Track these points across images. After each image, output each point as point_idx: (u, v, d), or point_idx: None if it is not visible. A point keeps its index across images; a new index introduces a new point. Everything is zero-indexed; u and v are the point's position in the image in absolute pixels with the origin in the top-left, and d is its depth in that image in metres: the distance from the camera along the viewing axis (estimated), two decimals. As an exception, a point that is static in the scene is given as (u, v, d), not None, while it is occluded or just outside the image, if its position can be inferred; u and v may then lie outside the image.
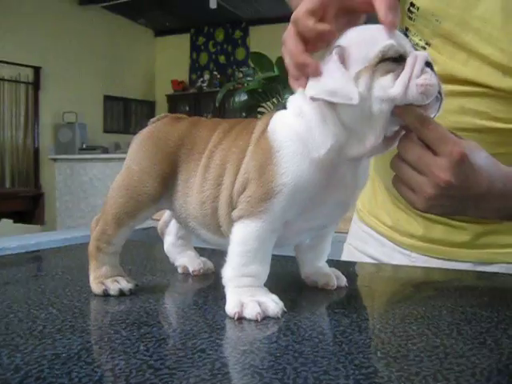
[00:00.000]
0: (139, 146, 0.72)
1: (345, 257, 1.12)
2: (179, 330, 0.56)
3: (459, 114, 0.84)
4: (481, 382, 0.43)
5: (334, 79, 0.58)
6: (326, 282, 0.74)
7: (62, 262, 0.94)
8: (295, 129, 0.62)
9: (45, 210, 6.00)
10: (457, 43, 0.85)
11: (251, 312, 0.60)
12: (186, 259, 0.84)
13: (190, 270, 0.83)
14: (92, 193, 6.76)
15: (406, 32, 0.91)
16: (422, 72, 0.58)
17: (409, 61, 0.59)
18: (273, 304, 0.61)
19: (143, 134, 0.74)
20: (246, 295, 0.61)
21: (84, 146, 6.87)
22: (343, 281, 0.75)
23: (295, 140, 0.61)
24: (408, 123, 0.61)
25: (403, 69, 0.58)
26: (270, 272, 0.65)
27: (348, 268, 0.89)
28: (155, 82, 8.12)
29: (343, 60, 0.59)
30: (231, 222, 0.64)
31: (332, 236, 0.76)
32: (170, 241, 0.85)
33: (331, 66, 0.59)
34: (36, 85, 6.62)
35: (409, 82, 0.58)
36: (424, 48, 0.87)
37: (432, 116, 0.61)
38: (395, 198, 1.01)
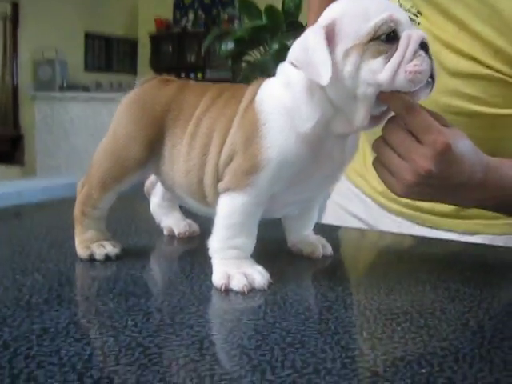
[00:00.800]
0: (125, 110, 0.70)
1: (328, 215, 1.12)
2: (166, 303, 0.56)
3: (452, 96, 0.83)
4: (463, 369, 0.44)
5: (314, 52, 0.57)
6: (312, 251, 0.74)
7: (45, 219, 0.94)
8: (282, 101, 0.61)
9: (24, 152, 5.91)
10: (448, 15, 0.83)
11: (238, 284, 0.60)
12: (171, 221, 0.84)
13: (176, 232, 0.83)
14: (73, 133, 6.67)
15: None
16: (415, 56, 0.57)
17: (402, 42, 0.57)
18: (259, 276, 0.61)
19: (130, 97, 0.72)
20: (233, 267, 0.62)
21: (64, 85, 6.71)
22: (328, 250, 0.75)
23: (282, 113, 0.60)
24: (394, 110, 0.60)
25: (395, 50, 0.57)
26: (257, 237, 0.65)
27: (332, 233, 0.89)
28: (138, 19, 7.87)
29: (332, 34, 0.58)
30: (217, 193, 0.64)
31: (319, 205, 0.76)
32: (156, 202, 0.84)
33: (316, 38, 0.57)
34: (14, 20, 6.39)
35: (398, 67, 0.56)
36: (416, 16, 0.86)
37: (421, 99, 0.60)
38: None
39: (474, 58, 0.81)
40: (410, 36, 0.57)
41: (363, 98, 0.58)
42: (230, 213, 0.62)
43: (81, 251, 0.70)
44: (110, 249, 0.71)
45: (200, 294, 0.59)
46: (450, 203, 0.70)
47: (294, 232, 0.76)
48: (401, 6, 0.90)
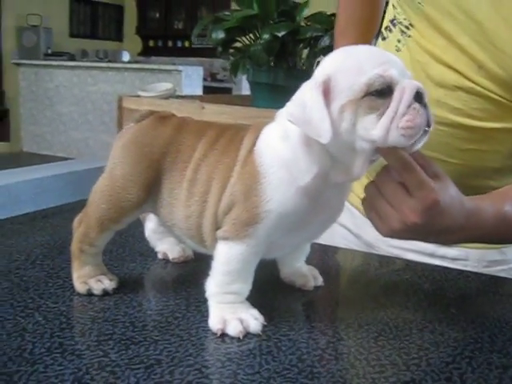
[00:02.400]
0: (122, 151, 0.71)
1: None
2: (165, 353, 0.59)
3: (435, 106, 0.85)
4: None
5: (312, 111, 0.58)
6: (304, 283, 0.77)
7: (40, 236, 0.95)
8: (281, 154, 0.62)
9: (10, 127, 5.83)
10: (438, 28, 0.86)
11: (233, 330, 0.63)
12: (166, 246, 0.86)
13: (170, 257, 0.85)
14: (57, 100, 6.60)
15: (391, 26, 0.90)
16: (408, 110, 0.58)
17: (395, 97, 0.58)
18: (254, 321, 0.64)
19: (127, 137, 0.72)
20: (229, 312, 0.64)
21: (49, 52, 6.60)
22: (319, 280, 0.78)
23: (281, 166, 0.62)
24: (390, 164, 0.62)
25: (388, 105, 0.58)
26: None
27: (323, 255, 0.92)
28: (124, -17, 7.71)
29: (328, 90, 0.59)
30: (215, 239, 0.65)
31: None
32: (150, 227, 0.86)
33: (314, 96, 0.58)
34: (-4, -15, 6.24)
35: (391, 123, 0.57)
36: (407, 28, 0.88)
37: (416, 148, 0.61)
38: (370, 175, 1.03)
39: (459, 72, 0.85)
40: (403, 90, 0.59)
41: (361, 152, 0.60)
42: (228, 260, 0.64)
43: (79, 286, 0.72)
44: (108, 284, 0.73)
45: (197, 340, 0.62)
46: (431, 243, 0.74)
47: (287, 264, 0.78)
48: (395, 18, 0.92)
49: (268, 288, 0.77)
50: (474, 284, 0.84)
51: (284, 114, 0.62)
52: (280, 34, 1.87)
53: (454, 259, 0.99)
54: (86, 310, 0.68)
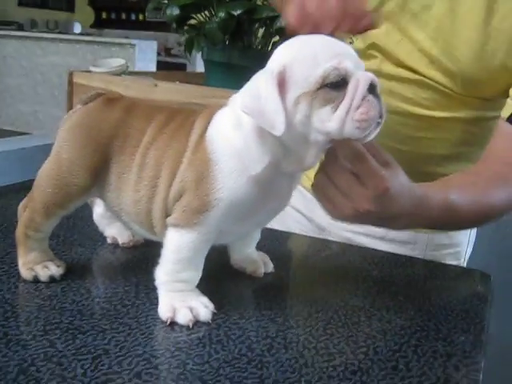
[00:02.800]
0: (69, 134, 0.69)
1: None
2: (114, 342, 0.58)
3: (387, 95, 0.87)
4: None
5: (266, 102, 0.57)
6: (254, 269, 0.77)
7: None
8: (233, 142, 0.62)
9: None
10: (393, 21, 0.87)
11: (183, 318, 0.62)
12: (114, 231, 0.84)
13: (120, 241, 0.84)
14: (6, 72, 6.36)
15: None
16: (363, 102, 0.58)
17: (349, 89, 0.58)
18: (204, 309, 0.64)
19: (74, 120, 0.69)
20: (178, 300, 0.64)
21: (-4, 20, 6.33)
22: (270, 267, 0.79)
23: (233, 154, 0.61)
24: (342, 156, 0.62)
25: (343, 98, 0.58)
26: None
27: (275, 241, 0.92)
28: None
29: (283, 81, 0.58)
30: (165, 225, 0.65)
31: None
32: (99, 211, 0.84)
33: (268, 87, 0.57)
34: None
35: (346, 115, 0.57)
36: None
37: (368, 139, 0.62)
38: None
39: (411, 67, 0.87)
40: (357, 82, 0.59)
41: (315, 143, 0.60)
42: (179, 248, 0.63)
43: (25, 273, 0.70)
44: (55, 270, 0.71)
45: (146, 328, 0.61)
46: (381, 228, 0.76)
47: (237, 250, 0.78)
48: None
49: (218, 274, 0.76)
50: (421, 271, 0.86)
51: (237, 102, 0.62)
52: (236, 13, 1.84)
53: (403, 242, 1.01)
54: (32, 298, 0.67)
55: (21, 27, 6.34)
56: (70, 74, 2.11)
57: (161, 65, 6.11)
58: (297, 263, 0.89)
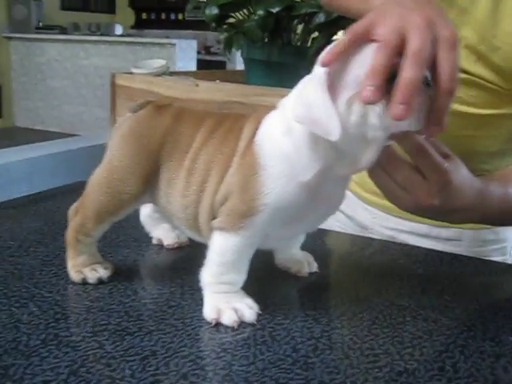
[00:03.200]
0: (121, 142, 0.70)
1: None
2: (160, 344, 0.59)
3: None
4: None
5: (319, 109, 0.56)
6: (298, 269, 0.77)
7: (33, 221, 0.94)
8: (283, 147, 0.61)
9: (2, 102, 5.76)
10: None
11: (228, 319, 0.63)
12: (160, 232, 0.86)
13: (165, 243, 0.85)
14: (50, 75, 6.54)
15: None
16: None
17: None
18: (248, 310, 0.64)
19: (124, 128, 0.71)
20: (223, 301, 0.64)
21: (40, 25, 6.51)
22: (314, 267, 0.78)
23: (281, 160, 0.61)
24: (405, 150, 0.61)
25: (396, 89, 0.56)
26: None
27: (317, 240, 0.92)
28: (116, -45, 7.57)
29: (332, 85, 0.57)
30: (211, 229, 0.65)
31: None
32: (145, 212, 0.85)
33: (319, 93, 0.56)
34: (-15, -45, 6.11)
35: None
36: None
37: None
38: None
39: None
40: None
41: (373, 142, 0.58)
42: (223, 251, 0.64)
43: (74, 275, 0.72)
44: (102, 272, 0.73)
45: (192, 329, 0.62)
46: (441, 221, 0.75)
47: (282, 250, 0.78)
48: None
49: (262, 275, 0.77)
50: (467, 269, 0.84)
51: (287, 108, 0.61)
52: (274, 10, 1.84)
53: (448, 239, 1.00)
54: (80, 300, 0.68)
55: (64, 31, 6.50)
56: (113, 76, 2.15)
57: (200, 63, 6.16)
58: (340, 262, 0.88)
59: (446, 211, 0.68)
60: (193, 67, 5.82)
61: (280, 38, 2.00)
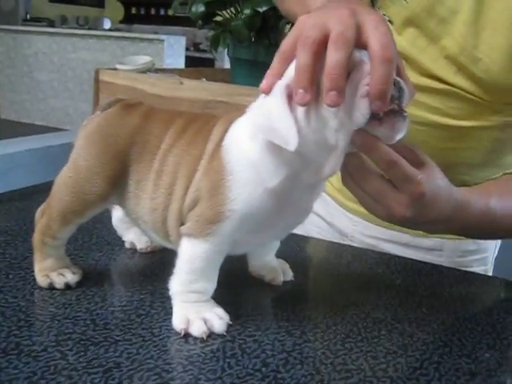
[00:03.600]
0: (86, 141, 0.68)
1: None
2: (125, 355, 0.57)
3: (413, 106, 0.84)
4: None
5: (277, 119, 0.55)
6: (273, 277, 0.75)
7: (4, 221, 0.92)
8: (249, 154, 0.60)
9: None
10: (420, 27, 0.83)
11: (197, 330, 0.61)
12: (133, 235, 0.83)
13: (138, 247, 0.83)
14: (36, 68, 6.48)
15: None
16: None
17: (351, 75, 0.54)
18: (218, 321, 0.62)
19: (91, 126, 0.69)
20: (193, 311, 0.62)
21: (28, 17, 6.44)
22: (289, 275, 0.77)
23: (248, 166, 0.59)
24: (373, 161, 0.59)
25: None
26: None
27: (294, 246, 0.90)
28: None
29: (292, 94, 0.55)
30: (179, 235, 0.63)
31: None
32: (117, 216, 0.83)
33: (278, 102, 0.55)
34: None
35: (353, 98, 0.53)
36: None
37: (399, 137, 0.58)
38: None
39: (435, 76, 0.83)
40: (360, 65, 0.54)
41: (336, 147, 0.56)
42: (192, 258, 0.62)
43: (40, 280, 0.69)
44: (70, 277, 0.70)
45: (159, 340, 0.60)
46: (417, 230, 0.74)
47: (256, 258, 0.76)
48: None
49: (236, 282, 0.75)
50: (447, 280, 0.83)
51: (255, 103, 0.60)
52: (261, 9, 1.82)
53: (429, 249, 0.98)
54: (46, 306, 0.66)
55: (52, 23, 6.43)
56: (96, 72, 2.12)
57: (189, 60, 6.13)
58: (317, 270, 0.87)
59: (420, 222, 0.66)
60: (181, 64, 5.79)
61: (267, 37, 1.98)
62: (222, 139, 0.62)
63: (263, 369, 0.56)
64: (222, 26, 2.10)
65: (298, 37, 0.55)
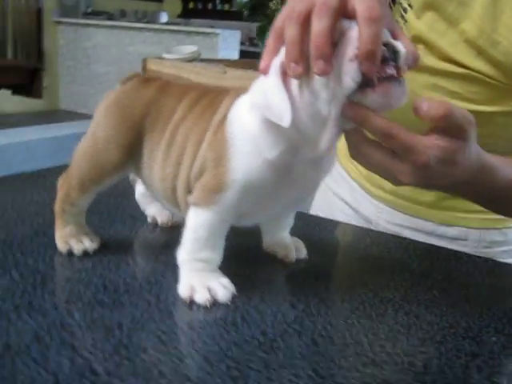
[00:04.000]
0: (105, 112, 0.71)
1: (318, 196, 1.13)
2: (129, 317, 0.59)
3: (431, 90, 0.84)
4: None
5: (272, 95, 0.56)
6: (285, 254, 0.76)
7: (36, 194, 0.96)
8: (249, 127, 0.61)
9: (42, 84, 5.87)
10: (439, 11, 0.82)
11: (201, 298, 0.62)
12: (154, 210, 0.85)
13: (159, 221, 0.85)
14: (95, 60, 6.65)
15: None
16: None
17: (340, 43, 0.53)
18: (222, 290, 0.63)
19: (110, 98, 0.71)
20: (198, 280, 0.64)
21: (89, 11, 6.62)
22: (302, 253, 0.77)
23: (249, 139, 0.61)
24: (370, 133, 0.58)
25: None
26: (233, 239, 0.66)
27: (314, 227, 0.90)
28: None
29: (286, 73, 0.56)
30: (188, 204, 0.65)
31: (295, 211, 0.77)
32: (140, 190, 0.86)
33: (273, 80, 0.56)
34: None
35: (341, 63, 0.53)
36: (405, 11, 0.87)
37: (397, 105, 0.56)
38: None
39: (454, 60, 0.82)
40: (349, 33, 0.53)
41: (329, 120, 0.56)
42: (196, 227, 0.63)
43: (60, 245, 0.72)
44: (88, 244, 0.73)
45: (164, 306, 0.62)
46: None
47: (270, 234, 0.77)
48: None
49: (248, 257, 0.76)
50: (464, 266, 0.81)
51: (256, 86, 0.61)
52: None
53: (453, 239, 0.97)
54: (62, 270, 0.69)
55: (111, 17, 6.58)
56: (144, 61, 2.17)
57: (244, 54, 6.16)
58: (333, 251, 0.86)
59: (432, 186, 0.63)
60: (235, 57, 5.83)
61: (311, 28, 1.98)
62: (227, 113, 0.63)
63: (260, 337, 0.57)
64: (268, 18, 2.10)
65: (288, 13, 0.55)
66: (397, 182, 0.61)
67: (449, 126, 0.57)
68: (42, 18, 6.45)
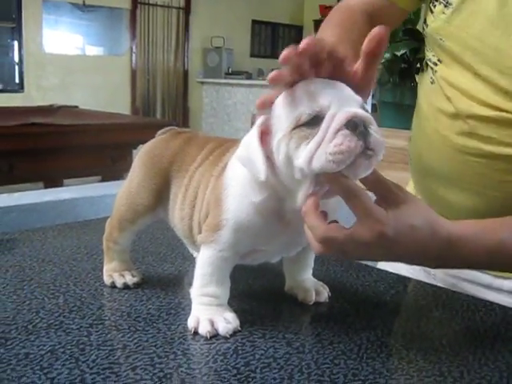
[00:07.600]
0: (139, 161, 0.82)
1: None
2: (136, 340, 0.66)
3: (466, 137, 0.83)
4: None
5: (251, 151, 0.62)
6: (304, 297, 0.79)
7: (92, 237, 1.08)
8: (243, 172, 0.67)
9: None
10: (460, 62, 0.85)
11: (203, 329, 0.68)
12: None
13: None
14: (234, 116, 7.05)
15: None
16: (337, 135, 0.57)
17: (323, 124, 0.58)
18: (224, 325, 0.69)
19: (144, 149, 0.83)
20: (203, 313, 0.70)
21: (230, 71, 7.10)
22: (323, 296, 0.80)
23: (239, 182, 0.67)
24: (336, 192, 0.62)
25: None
26: (261, 279, 0.71)
27: (355, 273, 0.92)
28: (304, 6, 8.00)
29: (267, 130, 0.62)
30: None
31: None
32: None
33: (253, 136, 0.62)
34: (187, 9, 6.89)
35: (316, 150, 0.57)
36: (435, 64, 0.89)
37: (362, 175, 0.60)
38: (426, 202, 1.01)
39: (486, 103, 0.82)
40: (332, 118, 0.58)
41: (303, 181, 0.61)
42: (202, 264, 0.71)
43: (105, 278, 0.83)
44: (129, 279, 0.83)
45: (170, 334, 0.69)
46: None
47: (291, 276, 0.81)
48: (425, 56, 0.93)
49: (269, 298, 0.81)
50: (498, 319, 0.78)
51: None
52: (399, 53, 1.85)
53: (510, 292, 0.93)
54: (100, 299, 0.79)
55: (249, 76, 6.98)
56: (253, 117, 2.31)
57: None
58: (358, 296, 0.86)
59: (390, 257, 0.65)
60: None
61: (410, 80, 1.99)
62: (229, 160, 0.71)
63: (242, 368, 0.61)
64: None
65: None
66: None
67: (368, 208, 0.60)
68: (187, 79, 7.03)
